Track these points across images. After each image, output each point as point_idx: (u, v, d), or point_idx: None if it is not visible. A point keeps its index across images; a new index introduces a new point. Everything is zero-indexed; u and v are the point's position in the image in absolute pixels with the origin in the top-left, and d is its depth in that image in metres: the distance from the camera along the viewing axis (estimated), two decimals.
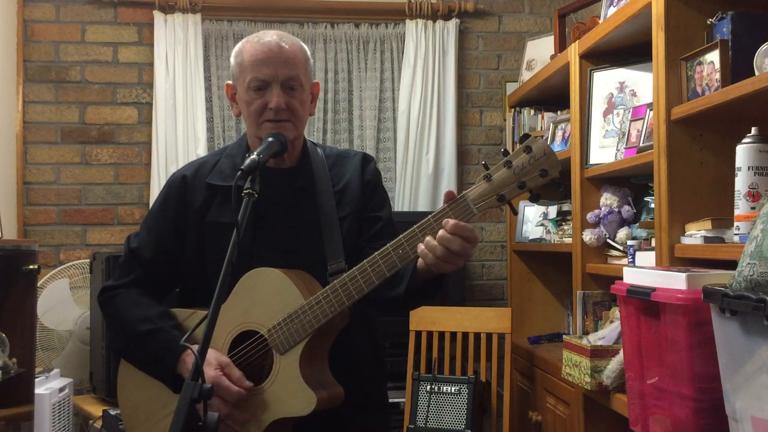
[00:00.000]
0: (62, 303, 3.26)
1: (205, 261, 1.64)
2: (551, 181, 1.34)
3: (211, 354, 1.49)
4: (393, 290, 1.52)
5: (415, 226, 1.41)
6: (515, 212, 1.48)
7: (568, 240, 2.85)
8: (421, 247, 1.38)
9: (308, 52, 1.68)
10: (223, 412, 1.46)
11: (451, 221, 1.35)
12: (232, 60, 1.66)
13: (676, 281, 1.58)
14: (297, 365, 1.48)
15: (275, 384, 1.50)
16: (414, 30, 3.67)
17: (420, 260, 1.45)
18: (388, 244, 1.43)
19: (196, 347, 1.22)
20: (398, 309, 1.64)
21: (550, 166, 1.32)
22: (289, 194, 1.66)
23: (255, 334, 1.53)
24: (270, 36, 1.62)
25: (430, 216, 1.40)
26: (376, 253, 1.43)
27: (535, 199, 1.38)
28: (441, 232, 1.36)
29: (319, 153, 1.74)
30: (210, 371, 1.46)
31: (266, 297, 1.52)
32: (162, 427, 1.59)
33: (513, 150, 1.36)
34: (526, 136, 1.35)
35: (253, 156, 1.43)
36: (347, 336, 1.59)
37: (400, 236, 1.42)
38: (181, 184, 1.69)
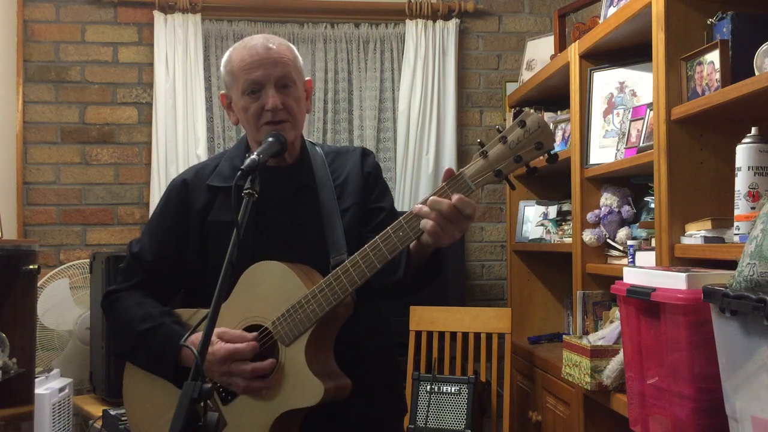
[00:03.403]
0: (62, 303, 3.26)
1: (208, 261, 1.64)
2: (547, 154, 1.34)
3: (196, 340, 1.48)
4: (393, 275, 1.53)
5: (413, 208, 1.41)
6: (512, 186, 1.47)
7: (568, 240, 2.85)
8: (424, 209, 1.38)
9: (295, 50, 1.70)
10: (247, 372, 1.47)
11: (459, 196, 1.36)
12: (222, 70, 1.67)
13: (676, 281, 1.58)
14: (303, 356, 1.47)
15: (282, 376, 1.49)
16: (414, 30, 3.67)
17: (413, 243, 1.45)
18: (388, 227, 1.43)
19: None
20: (401, 293, 1.63)
21: (544, 139, 1.32)
22: (289, 191, 1.67)
23: (260, 328, 1.53)
24: (255, 39, 1.64)
25: (428, 195, 1.40)
26: (376, 236, 1.43)
27: (531, 172, 1.37)
28: (443, 200, 1.36)
29: (318, 151, 1.75)
30: (212, 348, 1.47)
31: (269, 290, 1.53)
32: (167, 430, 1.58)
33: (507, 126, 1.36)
34: (519, 111, 1.35)
35: (253, 156, 1.44)
36: (355, 328, 1.59)
37: (400, 218, 1.42)
38: (181, 187, 1.70)
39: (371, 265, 1.44)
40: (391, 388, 1.77)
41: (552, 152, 1.34)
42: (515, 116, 1.36)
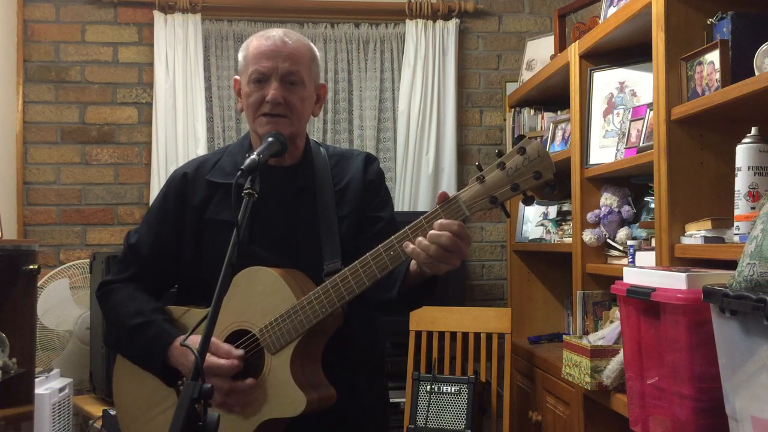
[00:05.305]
0: (62, 303, 3.26)
1: (202, 258, 1.64)
2: (545, 184, 1.33)
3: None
4: (387, 293, 1.52)
5: (407, 227, 1.40)
6: (507, 215, 1.44)
7: (568, 240, 2.85)
8: (411, 246, 1.37)
9: (315, 52, 1.69)
10: (224, 389, 1.46)
11: (441, 220, 1.35)
12: (239, 54, 1.68)
13: (676, 281, 1.58)
14: (288, 366, 1.47)
15: (266, 384, 1.49)
16: (414, 30, 3.67)
17: (413, 262, 1.44)
18: (379, 245, 1.42)
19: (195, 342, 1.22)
20: (392, 311, 1.63)
21: (543, 169, 1.30)
22: (288, 193, 1.66)
23: (247, 334, 1.53)
24: (276, 31, 1.64)
25: (422, 217, 1.39)
26: (367, 253, 1.43)
27: (528, 201, 1.36)
28: (431, 231, 1.35)
29: (322, 152, 1.73)
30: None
31: (259, 296, 1.52)
32: (157, 423, 1.59)
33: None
34: (520, 138, 1.34)
35: (254, 156, 1.43)
36: (344, 337, 1.58)
37: (392, 237, 1.41)
38: (181, 181, 1.69)
39: (360, 282, 1.43)
40: (379, 392, 1.77)
41: (551, 182, 1.32)
42: (516, 141, 1.34)
